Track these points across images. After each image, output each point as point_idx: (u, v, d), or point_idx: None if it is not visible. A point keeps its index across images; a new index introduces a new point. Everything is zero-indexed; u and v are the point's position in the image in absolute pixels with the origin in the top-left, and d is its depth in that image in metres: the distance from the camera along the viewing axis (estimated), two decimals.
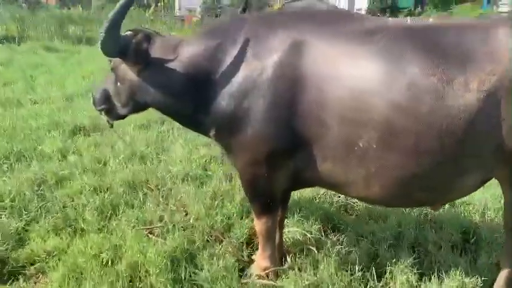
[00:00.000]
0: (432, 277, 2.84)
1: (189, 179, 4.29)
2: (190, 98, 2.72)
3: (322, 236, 3.38)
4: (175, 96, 2.76)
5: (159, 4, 22.04)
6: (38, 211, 3.49)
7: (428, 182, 2.34)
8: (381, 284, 2.86)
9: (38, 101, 6.78)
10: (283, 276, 2.87)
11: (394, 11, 29.95)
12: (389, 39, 2.30)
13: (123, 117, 3.11)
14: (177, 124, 6.12)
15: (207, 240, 3.24)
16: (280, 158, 2.58)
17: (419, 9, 30.75)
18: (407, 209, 3.69)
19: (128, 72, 2.81)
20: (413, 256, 3.02)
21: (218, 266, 2.82)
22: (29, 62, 9.84)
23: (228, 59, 2.58)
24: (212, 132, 2.77)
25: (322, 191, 4.00)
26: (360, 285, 2.83)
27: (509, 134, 2.17)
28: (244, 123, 2.53)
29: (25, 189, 3.76)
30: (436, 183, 2.36)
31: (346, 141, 2.36)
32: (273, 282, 2.84)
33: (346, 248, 3.16)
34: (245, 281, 2.86)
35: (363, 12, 24.91)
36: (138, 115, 3.99)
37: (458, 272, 2.86)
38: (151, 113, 3.76)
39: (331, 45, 2.42)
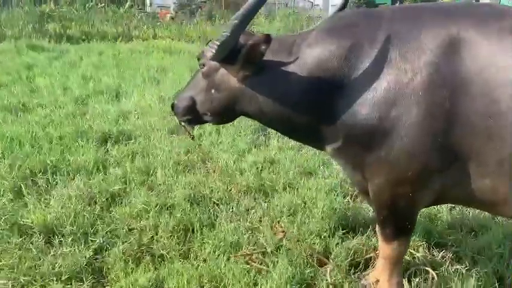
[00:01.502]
0: None
1: (253, 191, 3.88)
2: (310, 107, 2.33)
3: (427, 254, 3.07)
4: (292, 106, 2.36)
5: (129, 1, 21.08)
6: (104, 236, 3.01)
7: None
8: None
9: (47, 105, 6.15)
10: None
11: (371, 7, 30.05)
12: None
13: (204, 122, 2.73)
14: (208, 128, 5.79)
15: (311, 265, 2.86)
16: (430, 175, 2.22)
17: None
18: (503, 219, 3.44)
19: (229, 79, 2.40)
20: None
21: None
22: (18, 63, 9.08)
23: (367, 61, 2.19)
24: (335, 146, 2.37)
25: None
26: None
27: None
28: (391, 137, 2.15)
29: (80, 209, 3.26)
30: None
31: None
32: None
33: (467, 268, 2.86)
34: None
35: None
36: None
37: None
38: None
39: (502, 44, 2.06)
